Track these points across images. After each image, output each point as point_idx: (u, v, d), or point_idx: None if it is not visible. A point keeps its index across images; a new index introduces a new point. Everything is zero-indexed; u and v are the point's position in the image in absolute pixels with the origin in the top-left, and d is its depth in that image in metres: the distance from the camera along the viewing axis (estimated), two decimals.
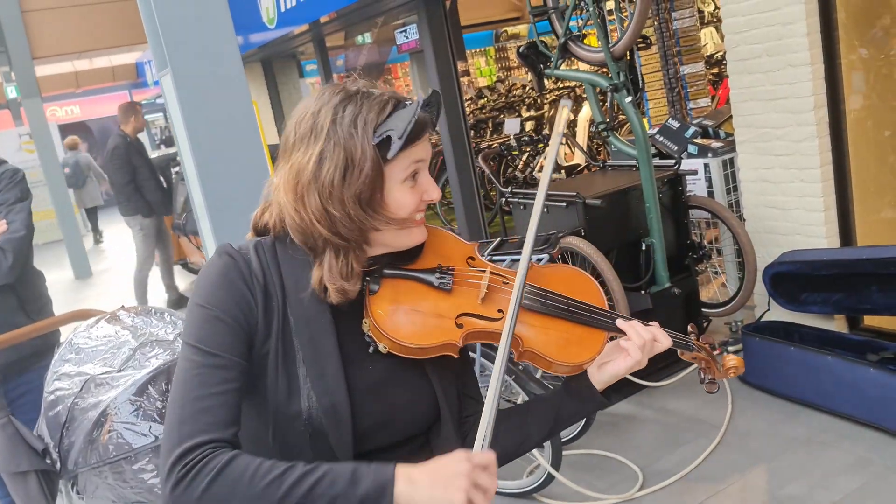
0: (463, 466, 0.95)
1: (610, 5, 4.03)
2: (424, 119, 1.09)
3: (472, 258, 1.21)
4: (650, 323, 1.23)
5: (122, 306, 2.02)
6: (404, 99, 1.10)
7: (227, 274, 1.07)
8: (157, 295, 7.10)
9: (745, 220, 3.97)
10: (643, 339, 1.18)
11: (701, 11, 7.28)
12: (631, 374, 3.59)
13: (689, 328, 1.31)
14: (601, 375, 1.20)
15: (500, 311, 1.15)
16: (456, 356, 1.13)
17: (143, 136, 6.88)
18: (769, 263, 3.59)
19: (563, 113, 1.27)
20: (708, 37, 7.61)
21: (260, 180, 2.34)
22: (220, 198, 2.26)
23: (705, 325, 4.06)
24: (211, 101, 2.19)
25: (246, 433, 1.08)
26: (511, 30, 12.54)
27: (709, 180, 4.30)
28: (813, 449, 2.94)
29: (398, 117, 1.06)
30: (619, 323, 1.20)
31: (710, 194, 4.31)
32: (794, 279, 3.52)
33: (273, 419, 1.08)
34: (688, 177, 4.04)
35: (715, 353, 1.33)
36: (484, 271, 1.18)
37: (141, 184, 6.33)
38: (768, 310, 3.71)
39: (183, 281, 7.69)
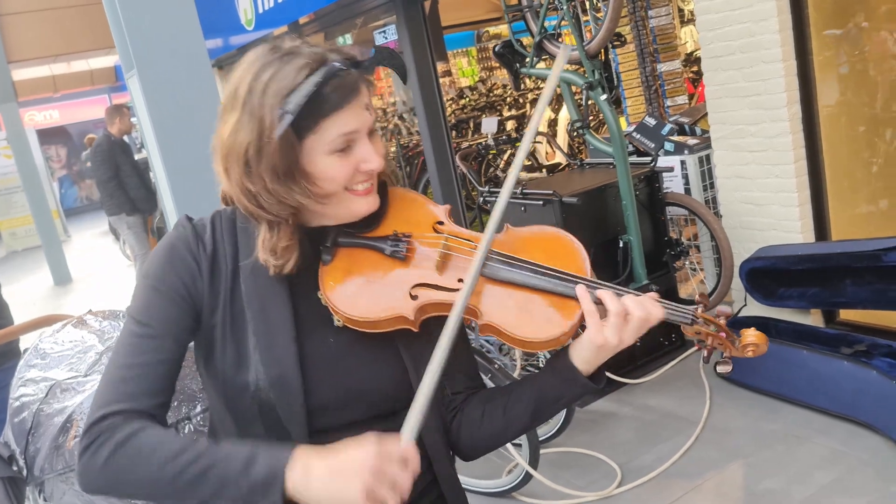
0: (369, 458, 0.89)
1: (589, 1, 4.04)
2: (348, 84, 0.99)
3: (440, 223, 1.10)
4: (648, 294, 1.07)
5: (90, 310, 2.00)
6: (335, 61, 0.99)
7: (173, 245, 1.06)
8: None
9: (721, 216, 3.99)
10: (603, 310, 1.02)
11: (681, 10, 7.32)
12: (609, 371, 3.63)
13: (698, 298, 1.12)
14: (581, 352, 1.05)
15: (460, 280, 1.04)
16: (415, 330, 1.04)
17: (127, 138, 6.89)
18: (745, 259, 3.62)
19: (563, 53, 1.21)
20: (688, 35, 7.65)
21: None
22: (190, 198, 2.24)
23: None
24: (179, 102, 2.17)
25: (212, 407, 1.12)
26: (493, 30, 12.55)
27: (685, 177, 4.32)
28: (789, 443, 2.96)
29: (310, 84, 0.97)
30: (599, 293, 1.03)
31: (687, 191, 4.33)
32: (770, 274, 3.55)
33: (223, 391, 1.05)
34: (664, 174, 4.05)
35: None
36: (449, 237, 1.08)
37: (124, 181, 6.40)
38: (745, 305, 3.73)
39: None
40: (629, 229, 3.64)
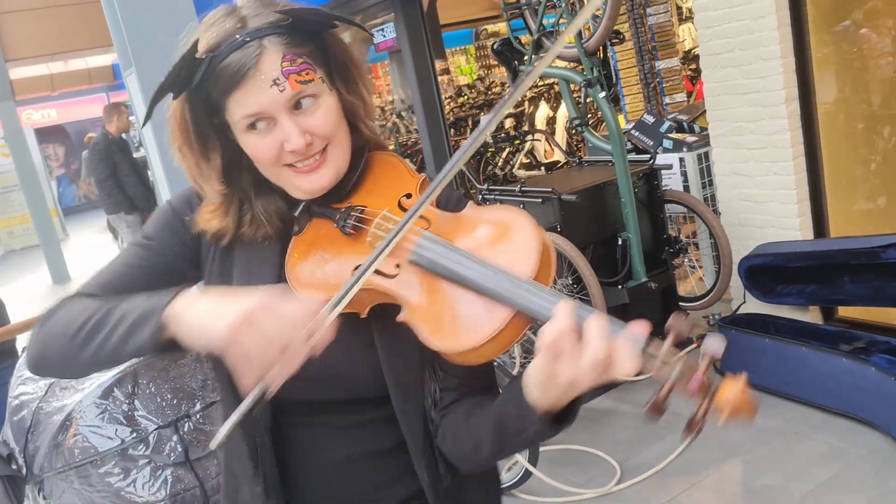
0: (260, 298, 0.83)
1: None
2: (245, 59, 0.90)
3: (407, 196, 0.99)
4: (629, 323, 0.80)
5: None
6: (239, 34, 0.92)
7: (189, 193, 1.08)
8: None
9: (720, 213, 3.99)
10: (555, 334, 0.77)
11: (679, 7, 7.32)
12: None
13: (670, 323, 0.79)
14: (531, 376, 0.84)
15: (398, 266, 0.91)
16: (361, 315, 0.94)
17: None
18: (744, 256, 3.62)
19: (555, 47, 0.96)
20: (686, 32, 7.66)
21: None
22: None
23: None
24: None
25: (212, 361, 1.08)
26: (491, 28, 12.54)
27: (684, 175, 4.32)
28: (788, 440, 2.96)
29: (205, 61, 0.91)
30: (534, 300, 0.81)
31: (686, 188, 4.33)
32: (769, 271, 3.55)
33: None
34: (663, 171, 4.05)
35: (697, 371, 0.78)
36: (391, 214, 0.96)
37: (122, 179, 6.40)
38: (744, 302, 3.73)
39: None
40: (628, 227, 3.64)
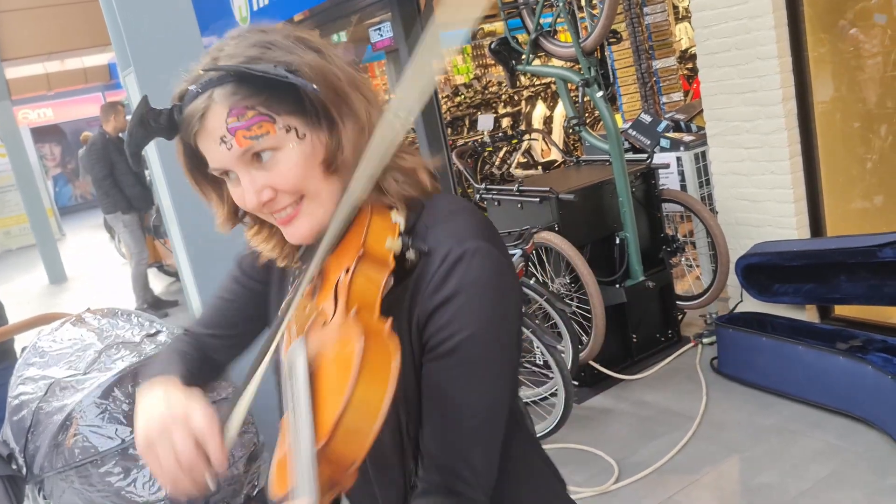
0: (169, 411, 0.85)
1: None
2: (193, 114, 0.85)
3: (347, 269, 0.83)
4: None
5: (88, 308, 2.00)
6: (190, 86, 0.86)
7: None
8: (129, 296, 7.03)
9: (717, 212, 4.00)
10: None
11: (676, 7, 7.33)
12: (606, 368, 3.65)
13: None
14: None
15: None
16: None
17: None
18: (741, 255, 3.63)
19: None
20: (682, 32, 7.67)
21: None
22: (188, 200, 2.24)
23: (680, 317, 4.09)
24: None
25: None
26: (488, 27, 12.55)
27: (681, 174, 4.33)
28: (785, 438, 2.97)
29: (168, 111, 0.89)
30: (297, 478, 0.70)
31: (683, 188, 4.35)
32: (766, 270, 3.56)
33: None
34: (660, 170, 4.06)
35: None
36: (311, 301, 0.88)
37: (119, 178, 6.39)
38: (741, 301, 3.74)
39: (159, 284, 7.62)
40: (625, 226, 3.65)
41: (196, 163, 0.93)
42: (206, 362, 1.12)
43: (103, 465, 1.65)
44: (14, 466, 1.73)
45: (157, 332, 1.88)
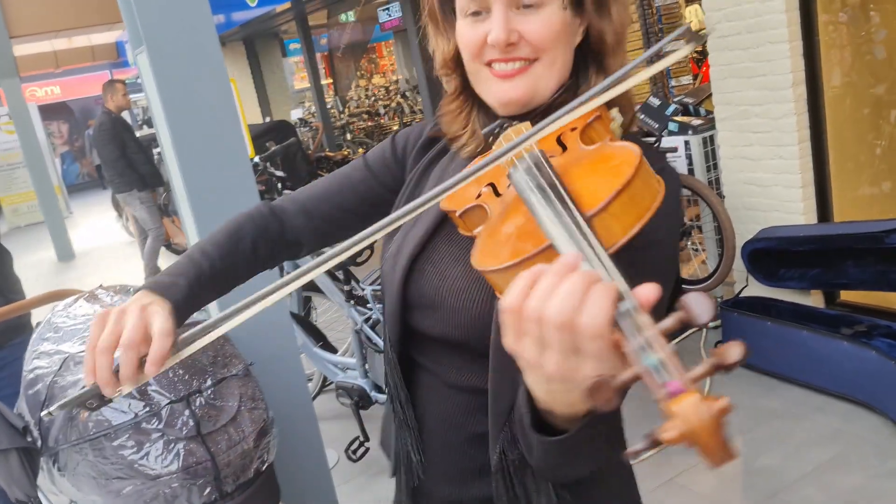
0: (142, 297, 0.92)
1: None
2: None
3: (573, 129, 0.85)
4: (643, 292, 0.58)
5: (101, 285, 2.03)
6: None
7: (421, 123, 1.17)
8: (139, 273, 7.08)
9: (724, 196, 4.00)
10: (511, 302, 0.61)
11: None
12: None
13: (682, 300, 0.56)
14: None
15: (509, 186, 0.83)
16: (466, 232, 0.87)
17: (125, 116, 6.83)
18: (747, 240, 3.64)
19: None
20: (693, 14, 7.61)
21: (239, 159, 2.35)
22: (199, 178, 2.26)
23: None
24: (188, 80, 2.18)
25: None
26: None
27: (689, 158, 4.33)
28: (788, 421, 3.00)
29: None
30: (565, 247, 0.64)
31: (691, 172, 4.34)
32: (772, 255, 3.57)
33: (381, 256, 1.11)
34: (668, 154, 4.06)
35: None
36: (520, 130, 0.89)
37: (131, 157, 6.35)
38: (746, 285, 3.75)
39: (166, 262, 7.66)
40: None
41: (441, 4, 0.97)
42: (280, 242, 1.13)
43: (116, 439, 1.68)
44: (29, 439, 1.76)
45: None
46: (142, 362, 0.86)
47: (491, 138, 0.94)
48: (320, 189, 1.14)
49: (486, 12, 0.90)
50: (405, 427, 1.03)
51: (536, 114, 0.92)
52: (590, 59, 0.94)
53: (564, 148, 0.84)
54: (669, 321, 0.57)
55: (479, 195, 0.85)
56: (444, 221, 0.98)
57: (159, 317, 0.87)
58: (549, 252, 0.66)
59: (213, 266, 1.04)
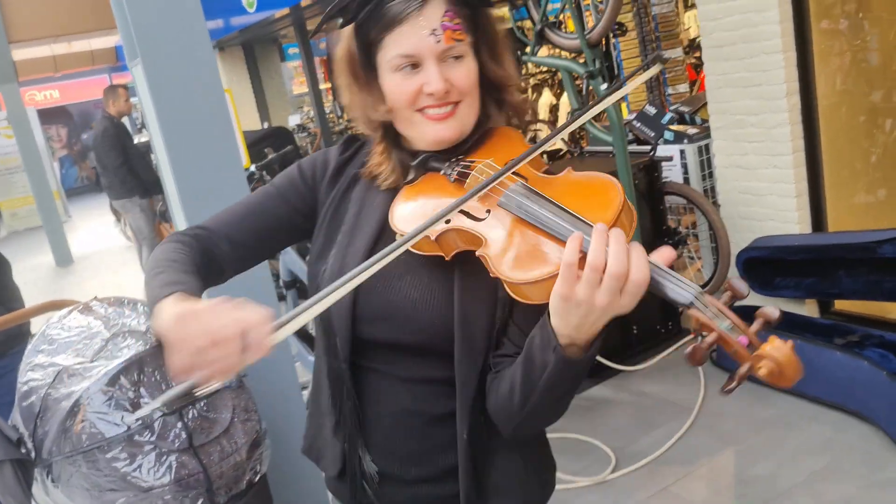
0: (201, 307, 0.85)
1: None
2: (409, 3, 1.00)
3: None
4: (659, 253, 0.85)
5: (95, 297, 2.04)
6: None
7: (326, 149, 1.23)
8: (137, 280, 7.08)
9: (719, 205, 4.02)
10: (571, 257, 0.83)
11: None
12: (606, 358, 3.68)
13: (728, 283, 0.82)
14: (551, 304, 0.87)
15: (488, 211, 0.97)
16: (446, 258, 1.00)
17: (124, 120, 6.79)
18: (742, 249, 3.65)
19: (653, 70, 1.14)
20: (692, 20, 7.63)
21: (233, 169, 2.36)
22: (194, 187, 2.27)
23: (680, 310, 4.11)
24: (183, 91, 2.19)
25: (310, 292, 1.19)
26: (496, 12, 12.48)
27: (684, 166, 4.35)
28: (781, 430, 3.01)
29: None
30: (571, 235, 0.85)
31: (686, 180, 4.36)
32: (767, 264, 3.58)
33: (308, 276, 1.19)
34: (664, 163, 4.08)
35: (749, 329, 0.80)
36: (494, 167, 1.02)
37: (134, 164, 6.24)
38: None
39: None
40: None
41: (363, 52, 1.06)
42: (212, 266, 1.13)
43: (110, 451, 1.69)
44: (23, 450, 1.77)
45: None
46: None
47: (420, 171, 1.09)
48: (239, 218, 1.18)
49: (415, 66, 1.02)
50: (356, 431, 1.13)
51: (467, 146, 1.09)
52: (489, 98, 1.11)
53: (524, 178, 1.00)
54: (724, 297, 0.81)
55: (447, 220, 0.97)
56: (380, 238, 1.10)
57: (247, 305, 0.87)
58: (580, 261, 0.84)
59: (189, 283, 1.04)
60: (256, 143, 6.35)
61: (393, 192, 1.11)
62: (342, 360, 1.11)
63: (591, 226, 0.85)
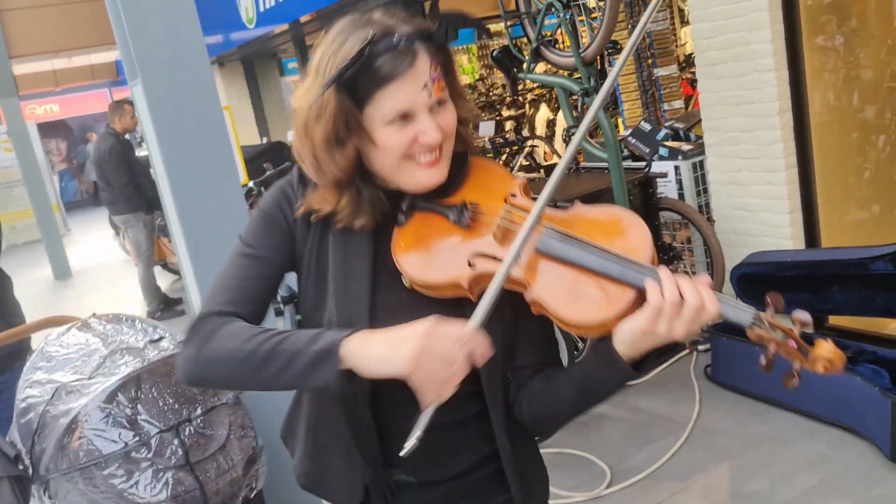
0: (423, 327, 0.96)
1: (585, 9, 4.09)
2: (402, 58, 1.02)
3: (512, 195, 1.11)
4: (702, 278, 0.99)
5: (94, 314, 2.06)
6: (398, 33, 1.02)
7: (281, 186, 1.18)
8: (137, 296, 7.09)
9: (714, 221, 4.05)
10: (658, 302, 0.96)
11: (682, 10, 7.36)
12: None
13: (769, 299, 1.01)
14: (621, 333, 1.00)
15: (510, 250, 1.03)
16: (472, 299, 1.05)
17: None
18: (737, 265, 3.67)
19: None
20: (687, 36, 7.69)
21: (231, 185, 2.39)
22: (192, 204, 2.30)
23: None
24: (182, 111, 2.22)
25: None
26: (494, 27, 12.57)
27: (679, 182, 4.38)
28: (776, 446, 3.02)
29: (363, 55, 1.01)
30: (647, 279, 0.98)
31: (681, 196, 4.39)
32: (761, 280, 3.60)
33: (305, 327, 1.14)
34: (658, 179, 4.11)
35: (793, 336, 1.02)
36: (512, 209, 1.08)
37: (139, 181, 6.22)
38: None
39: (164, 281, 7.68)
40: None
41: (350, 109, 1.04)
42: None
43: (107, 468, 1.71)
44: (21, 467, 1.79)
45: (161, 338, 1.94)
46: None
47: (409, 212, 1.11)
48: (251, 295, 1.13)
49: (407, 118, 1.04)
50: (379, 455, 1.15)
51: (454, 184, 1.12)
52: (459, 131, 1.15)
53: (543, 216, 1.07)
54: (769, 311, 1.00)
55: (470, 264, 1.05)
56: (377, 281, 1.11)
57: (442, 323, 0.97)
58: (638, 299, 0.98)
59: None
60: (255, 158, 6.39)
61: (371, 232, 1.12)
62: (363, 406, 1.12)
63: (637, 263, 0.99)
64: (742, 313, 1.00)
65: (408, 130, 1.04)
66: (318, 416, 1.20)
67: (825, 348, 0.99)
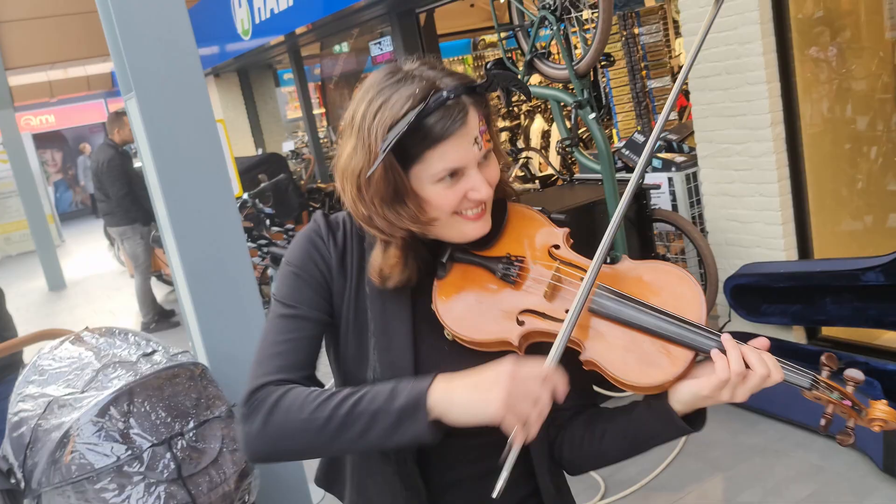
0: (507, 368, 0.94)
1: (579, 21, 4.12)
2: (453, 115, 0.98)
3: (556, 247, 1.09)
4: (757, 345, 1.03)
5: (87, 327, 2.06)
6: (445, 89, 0.98)
7: (308, 236, 1.13)
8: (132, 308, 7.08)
9: (707, 232, 4.07)
10: (727, 374, 0.98)
11: (676, 21, 7.40)
12: (595, 385, 3.68)
13: (824, 360, 1.03)
14: (680, 394, 1.02)
15: (567, 311, 1.01)
16: (520, 354, 1.03)
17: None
18: (730, 276, 3.69)
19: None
20: (682, 46, 7.74)
21: (224, 198, 2.39)
22: (185, 217, 2.31)
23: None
24: (176, 125, 2.23)
25: None
26: (489, 38, 12.65)
27: (672, 194, 4.40)
28: (768, 457, 3.03)
29: (412, 115, 0.96)
30: (713, 350, 1.00)
31: (675, 208, 4.41)
32: (754, 291, 3.62)
33: (346, 383, 1.11)
34: (652, 190, 4.13)
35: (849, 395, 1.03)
36: (561, 266, 1.06)
37: (138, 193, 6.16)
38: (729, 321, 3.80)
39: (158, 293, 7.68)
40: (616, 245, 3.71)
41: (399, 170, 1.01)
42: None
43: (99, 482, 1.71)
44: (13, 481, 1.78)
45: (153, 352, 1.94)
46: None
47: (449, 264, 1.09)
48: (294, 357, 1.08)
49: (457, 174, 1.02)
50: (413, 485, 1.13)
51: (495, 234, 1.10)
52: None
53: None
54: (825, 373, 1.02)
55: (519, 322, 1.04)
56: (418, 335, 1.08)
57: (520, 363, 0.96)
58: (694, 361, 1.01)
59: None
60: (250, 170, 6.40)
61: (409, 287, 1.09)
62: (411, 460, 1.10)
63: (696, 326, 1.01)
64: (801, 377, 1.02)
65: (458, 188, 1.02)
66: (363, 473, 1.17)
67: (880, 409, 1.01)
